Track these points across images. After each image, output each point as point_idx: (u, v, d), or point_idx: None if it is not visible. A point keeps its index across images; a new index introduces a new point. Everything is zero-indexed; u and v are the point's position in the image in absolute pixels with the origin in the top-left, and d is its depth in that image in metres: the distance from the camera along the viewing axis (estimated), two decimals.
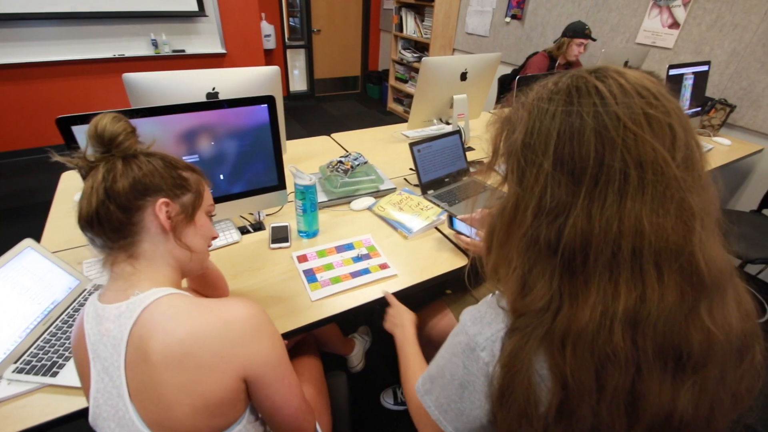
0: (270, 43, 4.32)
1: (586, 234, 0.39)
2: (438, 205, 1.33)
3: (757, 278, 2.29)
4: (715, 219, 0.41)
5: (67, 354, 0.78)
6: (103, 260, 0.59)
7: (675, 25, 2.48)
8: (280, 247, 1.12)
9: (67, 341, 0.80)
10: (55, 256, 0.91)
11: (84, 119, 0.83)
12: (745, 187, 2.36)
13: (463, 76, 1.80)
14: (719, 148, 2.14)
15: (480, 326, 0.48)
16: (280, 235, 1.15)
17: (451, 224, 1.18)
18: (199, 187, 0.64)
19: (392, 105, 5.03)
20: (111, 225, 0.55)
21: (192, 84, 1.20)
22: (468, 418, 0.50)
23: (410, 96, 4.72)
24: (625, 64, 2.40)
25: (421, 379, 0.58)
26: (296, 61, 5.17)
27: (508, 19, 3.53)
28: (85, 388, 0.59)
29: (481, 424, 0.50)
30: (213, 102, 0.96)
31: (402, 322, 0.89)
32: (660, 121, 0.38)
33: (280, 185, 1.15)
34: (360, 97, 5.59)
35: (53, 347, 0.79)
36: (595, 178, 0.39)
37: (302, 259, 1.08)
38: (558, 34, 2.68)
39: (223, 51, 3.65)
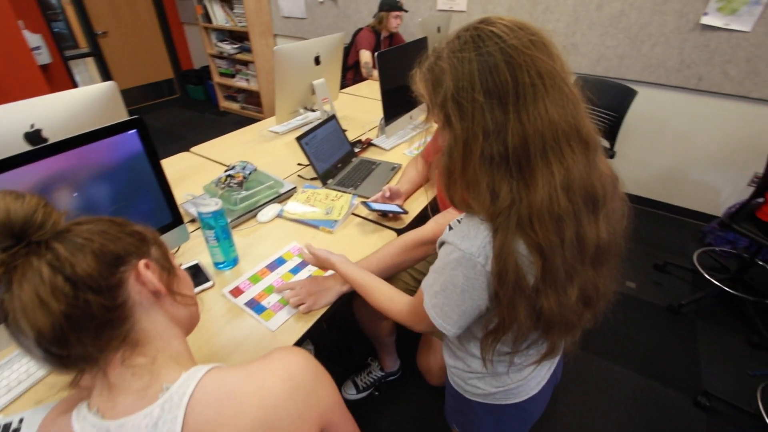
0: (44, 57, 3.38)
1: (523, 137, 0.51)
2: (345, 192, 1.33)
3: None
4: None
5: None
6: (75, 379, 0.44)
7: None
8: (204, 289, 0.96)
9: None
10: None
11: None
12: None
13: (317, 60, 1.78)
14: None
15: (469, 241, 0.58)
16: (197, 277, 0.99)
17: (369, 208, 1.20)
18: (155, 236, 0.52)
19: (225, 103, 4.60)
20: (95, 320, 0.41)
21: None
22: (468, 314, 0.63)
23: (244, 91, 4.40)
24: (438, 29, 2.72)
25: (428, 299, 0.67)
26: (86, 73, 4.21)
27: None
28: None
29: (479, 313, 0.63)
30: (62, 143, 0.74)
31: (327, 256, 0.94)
32: (539, 42, 0.52)
33: (176, 221, 0.97)
34: (182, 101, 4.92)
35: None
36: (516, 94, 0.51)
37: (236, 292, 0.95)
38: (372, 10, 2.84)
39: None
